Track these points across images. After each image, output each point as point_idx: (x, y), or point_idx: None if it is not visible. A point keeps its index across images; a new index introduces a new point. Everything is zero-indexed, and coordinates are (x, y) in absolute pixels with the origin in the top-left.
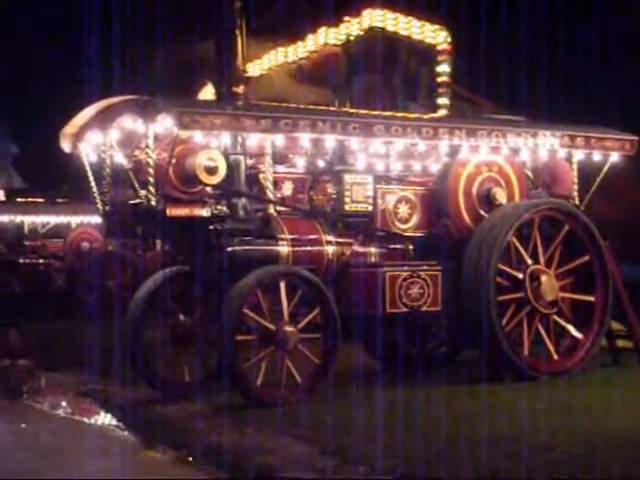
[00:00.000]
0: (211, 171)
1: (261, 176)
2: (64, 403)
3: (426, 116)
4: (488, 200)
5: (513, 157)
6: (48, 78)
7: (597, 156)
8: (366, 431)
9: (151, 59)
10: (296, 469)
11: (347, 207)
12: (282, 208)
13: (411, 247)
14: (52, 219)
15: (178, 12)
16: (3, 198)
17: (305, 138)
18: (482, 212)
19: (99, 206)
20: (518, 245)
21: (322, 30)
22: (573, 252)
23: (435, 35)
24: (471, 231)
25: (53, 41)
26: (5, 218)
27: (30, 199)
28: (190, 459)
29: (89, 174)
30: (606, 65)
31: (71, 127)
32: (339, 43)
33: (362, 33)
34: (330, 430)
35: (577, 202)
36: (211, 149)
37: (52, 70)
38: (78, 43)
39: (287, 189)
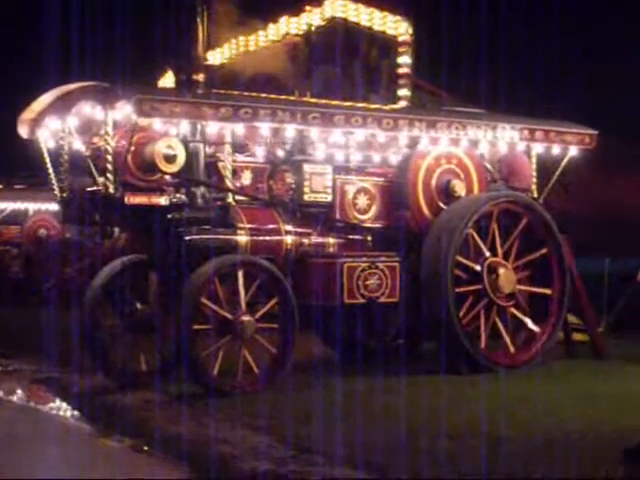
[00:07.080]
0: (170, 159)
1: (220, 165)
2: (20, 391)
3: (386, 107)
4: (447, 192)
5: (472, 149)
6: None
7: (556, 149)
8: (324, 421)
9: (111, 42)
10: (254, 459)
11: (306, 197)
12: (241, 197)
13: (370, 238)
14: (9, 205)
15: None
16: None
17: (265, 127)
18: (441, 204)
19: (57, 193)
20: (476, 237)
21: (283, 19)
22: (531, 245)
23: (396, 26)
24: (430, 223)
25: (11, 23)
26: None
27: None
28: (147, 448)
29: (47, 160)
30: (567, 57)
31: (29, 113)
32: (300, 33)
33: (323, 23)
34: (288, 420)
35: (535, 195)
36: (170, 137)
37: (10, 52)
38: (37, 25)
39: (246, 178)
